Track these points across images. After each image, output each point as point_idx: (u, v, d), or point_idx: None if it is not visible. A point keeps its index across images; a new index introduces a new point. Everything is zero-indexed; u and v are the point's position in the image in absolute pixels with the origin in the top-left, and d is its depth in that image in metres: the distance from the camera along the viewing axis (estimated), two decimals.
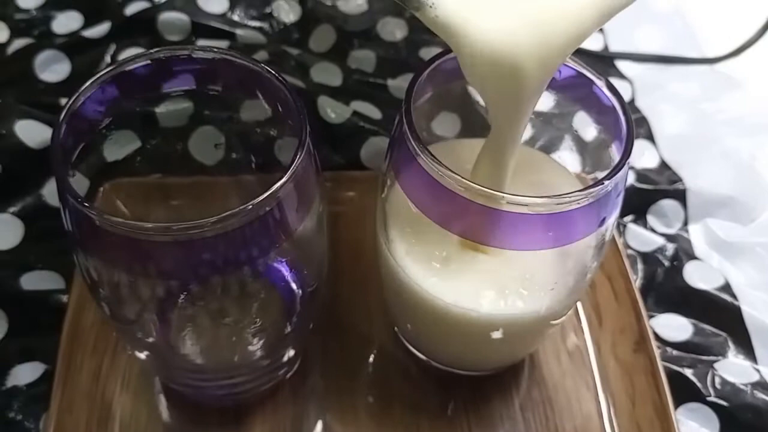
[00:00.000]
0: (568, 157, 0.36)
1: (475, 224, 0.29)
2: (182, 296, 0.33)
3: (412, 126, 0.29)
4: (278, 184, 0.27)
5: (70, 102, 0.29)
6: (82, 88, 0.29)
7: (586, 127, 0.34)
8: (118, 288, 0.30)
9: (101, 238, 0.28)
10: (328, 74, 0.52)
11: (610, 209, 0.30)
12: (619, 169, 0.28)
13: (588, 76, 0.32)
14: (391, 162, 0.32)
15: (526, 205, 0.28)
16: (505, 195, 0.27)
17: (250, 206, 0.26)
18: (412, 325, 0.37)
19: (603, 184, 0.28)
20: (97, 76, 0.30)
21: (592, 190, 0.28)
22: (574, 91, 0.34)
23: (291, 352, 0.36)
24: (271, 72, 0.31)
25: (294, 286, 0.33)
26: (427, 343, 0.39)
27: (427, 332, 0.37)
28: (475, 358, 0.38)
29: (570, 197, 0.27)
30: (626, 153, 0.29)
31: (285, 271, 0.32)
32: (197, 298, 0.32)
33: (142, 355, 0.34)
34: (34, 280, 0.42)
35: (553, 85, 0.34)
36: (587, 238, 0.30)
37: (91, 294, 0.32)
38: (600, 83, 0.32)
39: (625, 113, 0.30)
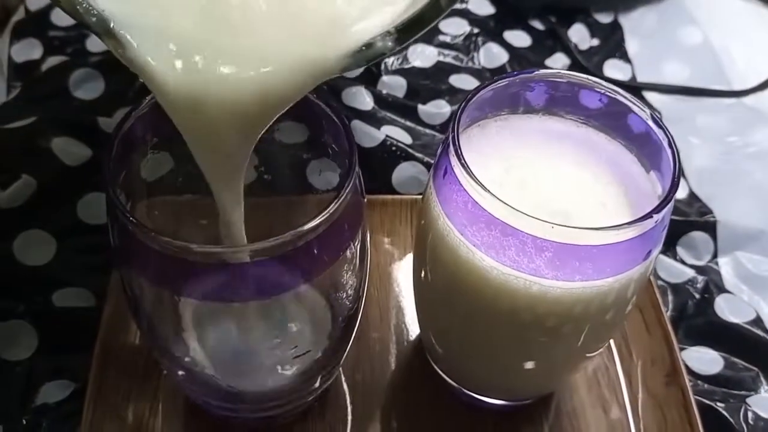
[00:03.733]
0: None
1: (521, 253, 0.29)
2: (223, 317, 0.33)
3: (459, 152, 0.29)
4: (330, 209, 0.27)
5: (122, 126, 0.29)
6: (134, 113, 0.30)
7: None
8: (160, 305, 0.31)
9: (148, 257, 0.28)
10: (359, 98, 0.52)
11: (655, 242, 0.30)
12: (667, 203, 0.28)
13: (631, 107, 0.32)
14: (434, 181, 0.32)
15: (575, 237, 0.28)
16: (554, 225, 0.27)
17: (300, 232, 0.26)
18: (454, 329, 0.36)
19: (651, 217, 0.28)
20: (147, 101, 0.30)
21: (640, 223, 0.28)
22: (607, 119, 0.34)
23: (324, 377, 0.36)
24: (317, 99, 0.31)
25: (334, 310, 0.33)
26: (461, 361, 0.38)
27: (466, 338, 0.36)
28: (508, 379, 0.38)
29: (619, 230, 0.28)
30: (674, 187, 0.29)
31: (327, 294, 0.32)
32: (238, 320, 0.32)
33: (178, 374, 0.34)
34: (65, 297, 0.42)
35: (589, 113, 0.34)
36: (630, 271, 0.30)
37: (131, 310, 0.32)
38: (645, 115, 0.32)
39: (672, 148, 0.30)
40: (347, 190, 0.28)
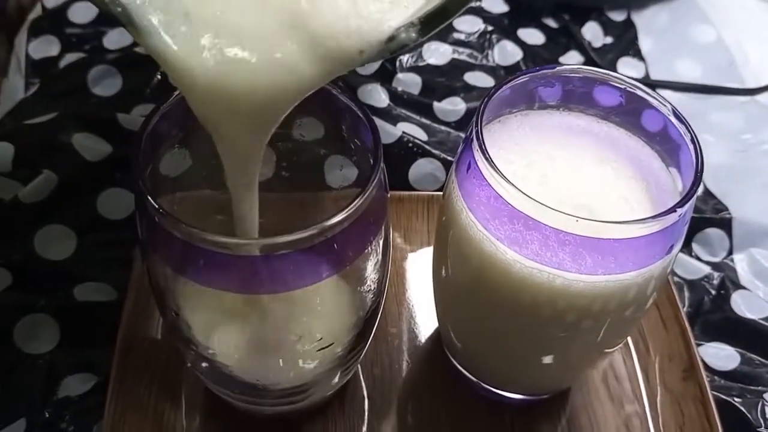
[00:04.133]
0: None
1: (544, 247, 0.29)
2: (248, 309, 0.33)
3: (483, 147, 0.29)
4: (357, 202, 0.27)
5: (149, 121, 0.30)
6: (161, 108, 0.30)
7: None
8: (186, 297, 0.31)
9: (176, 249, 0.28)
10: (374, 95, 0.52)
11: (677, 237, 0.30)
12: (690, 197, 0.29)
13: (651, 102, 0.32)
14: (457, 176, 0.32)
15: (599, 230, 0.28)
16: (579, 219, 0.27)
17: (327, 225, 0.27)
18: (474, 324, 0.36)
19: (675, 211, 0.28)
20: (173, 97, 0.30)
21: (664, 217, 0.28)
22: (627, 115, 0.34)
23: (344, 371, 0.36)
24: (341, 93, 0.31)
25: (357, 303, 0.33)
26: (480, 355, 0.38)
27: (486, 333, 0.36)
28: (526, 373, 0.38)
29: (643, 224, 0.28)
30: (696, 181, 0.29)
31: (351, 288, 0.32)
32: (262, 312, 0.33)
33: (201, 365, 0.34)
34: (86, 292, 0.42)
35: (609, 109, 0.34)
36: (652, 266, 0.30)
37: (156, 302, 0.32)
38: (666, 111, 0.32)
39: (694, 143, 0.30)
40: (373, 184, 0.28)
